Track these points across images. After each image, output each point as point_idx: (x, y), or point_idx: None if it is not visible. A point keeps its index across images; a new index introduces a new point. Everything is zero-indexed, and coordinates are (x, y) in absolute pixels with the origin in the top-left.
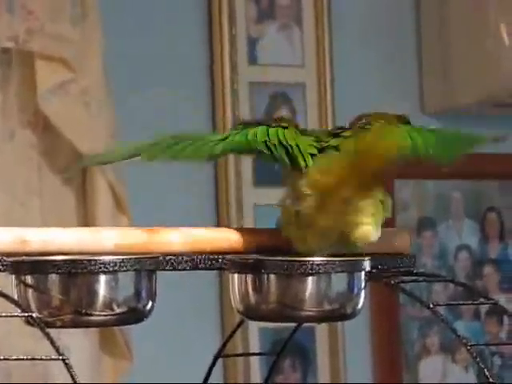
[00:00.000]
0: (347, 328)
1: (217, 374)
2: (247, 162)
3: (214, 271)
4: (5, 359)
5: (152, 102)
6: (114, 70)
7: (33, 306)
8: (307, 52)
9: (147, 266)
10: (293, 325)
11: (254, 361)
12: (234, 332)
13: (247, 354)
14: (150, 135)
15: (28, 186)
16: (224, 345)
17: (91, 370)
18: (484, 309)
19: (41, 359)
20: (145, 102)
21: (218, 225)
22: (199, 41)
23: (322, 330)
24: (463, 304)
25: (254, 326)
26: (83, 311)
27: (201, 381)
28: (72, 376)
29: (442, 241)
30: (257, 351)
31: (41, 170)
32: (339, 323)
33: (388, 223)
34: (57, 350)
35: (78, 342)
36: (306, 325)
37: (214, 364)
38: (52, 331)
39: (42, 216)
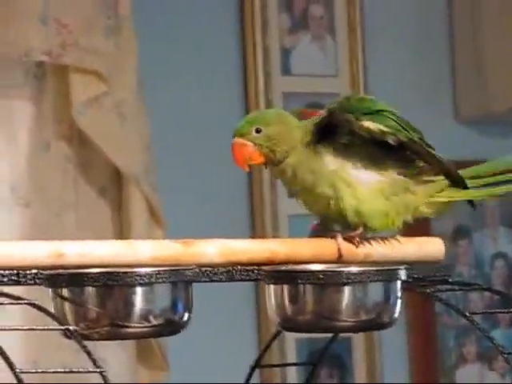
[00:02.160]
0: (384, 337)
1: None
2: None
3: (251, 282)
4: (43, 372)
5: (185, 114)
6: (146, 80)
7: (70, 318)
8: (340, 62)
9: (183, 278)
10: (329, 335)
11: (291, 371)
12: (271, 342)
13: (284, 365)
14: (183, 146)
15: (63, 198)
16: (261, 355)
17: (127, 380)
18: None
19: (79, 372)
20: (178, 113)
21: (253, 236)
22: (232, 51)
23: (358, 339)
24: (499, 312)
25: (290, 337)
26: (120, 323)
27: None
28: None
29: (477, 249)
30: (293, 362)
31: (76, 182)
32: (376, 332)
33: (423, 232)
34: (94, 362)
35: (114, 354)
36: (342, 334)
37: (251, 375)
38: (88, 343)
39: (77, 228)
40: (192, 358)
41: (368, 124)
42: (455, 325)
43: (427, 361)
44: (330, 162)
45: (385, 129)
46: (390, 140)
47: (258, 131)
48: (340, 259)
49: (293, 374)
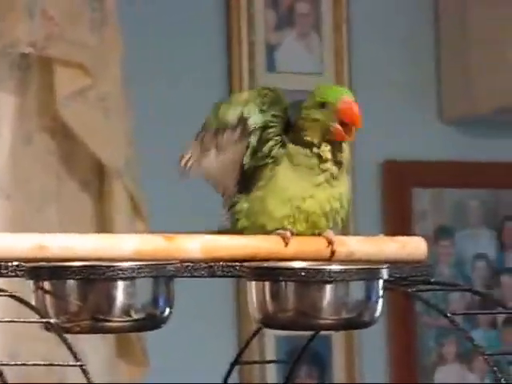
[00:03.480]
0: (363, 336)
1: (232, 382)
2: None
3: (231, 278)
4: (23, 364)
5: (168, 109)
6: (130, 74)
7: (51, 311)
8: (326, 60)
9: (165, 273)
10: (309, 332)
11: (270, 369)
12: (251, 339)
13: (264, 362)
14: (166, 141)
15: (45, 192)
16: (241, 352)
17: (107, 374)
18: (501, 318)
19: (59, 365)
20: (160, 108)
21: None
22: (217, 47)
23: (338, 337)
24: (481, 313)
25: (270, 334)
26: (101, 317)
27: None
28: (89, 382)
29: (459, 249)
30: (273, 359)
31: (58, 176)
32: (356, 331)
33: (405, 231)
34: (74, 356)
35: (94, 348)
36: (322, 332)
37: (230, 371)
38: (68, 337)
39: (59, 222)
40: (171, 353)
41: None
42: (435, 325)
43: (407, 360)
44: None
45: None
46: None
47: None
48: (332, 257)
49: (272, 372)
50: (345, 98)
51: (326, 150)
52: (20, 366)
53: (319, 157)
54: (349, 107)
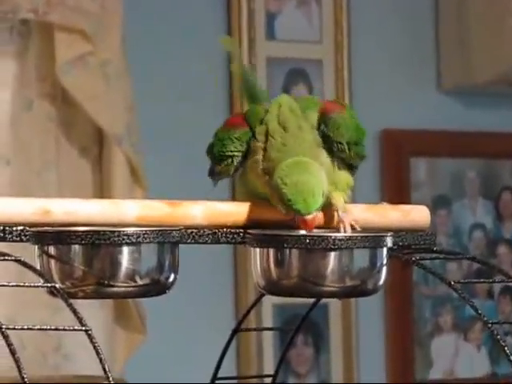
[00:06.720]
0: (360, 304)
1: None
2: None
3: (230, 245)
4: (28, 329)
5: (168, 76)
6: (130, 40)
7: (55, 276)
8: (325, 28)
9: (170, 239)
10: (308, 301)
11: (267, 336)
12: (252, 307)
13: (266, 329)
14: (165, 110)
15: (45, 158)
16: (242, 319)
17: (105, 342)
18: (498, 289)
19: (64, 329)
20: (160, 75)
21: None
22: (217, 14)
23: (335, 305)
24: (485, 282)
25: (268, 302)
26: (106, 282)
27: (213, 354)
28: (95, 347)
29: (456, 219)
30: (271, 326)
31: (58, 142)
32: (353, 300)
33: (403, 201)
34: (80, 321)
35: (92, 314)
36: (320, 301)
37: (231, 338)
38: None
39: (58, 187)
40: (168, 322)
41: None
42: (432, 294)
43: (403, 329)
44: None
45: None
46: None
47: None
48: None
49: (269, 339)
50: (308, 218)
51: None
52: (19, 334)
53: None
54: (305, 227)
